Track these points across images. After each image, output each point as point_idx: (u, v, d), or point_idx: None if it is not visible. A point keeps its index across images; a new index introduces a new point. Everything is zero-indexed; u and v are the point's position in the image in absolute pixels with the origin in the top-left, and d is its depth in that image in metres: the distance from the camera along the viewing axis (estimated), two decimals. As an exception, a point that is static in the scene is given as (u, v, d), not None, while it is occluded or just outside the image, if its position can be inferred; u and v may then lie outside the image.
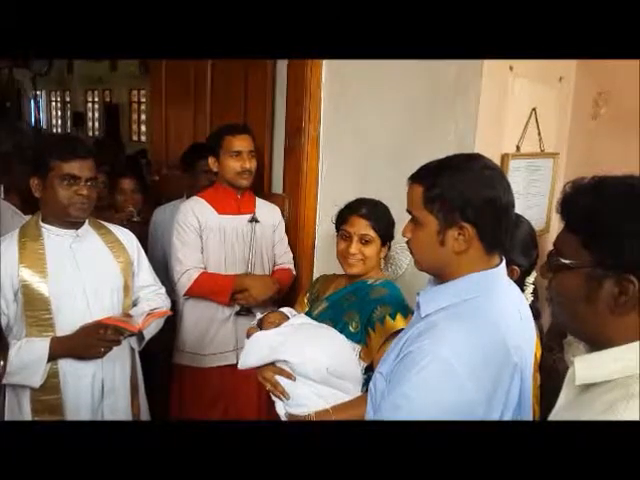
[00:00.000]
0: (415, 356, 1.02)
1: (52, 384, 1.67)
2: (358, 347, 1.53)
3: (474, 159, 1.12)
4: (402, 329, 1.45)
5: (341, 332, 1.55)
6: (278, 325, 1.61)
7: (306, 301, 1.82)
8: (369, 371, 1.52)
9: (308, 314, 1.70)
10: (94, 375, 1.73)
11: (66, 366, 1.68)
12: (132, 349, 1.85)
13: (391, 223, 1.67)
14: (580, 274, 0.82)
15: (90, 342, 1.65)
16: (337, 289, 1.70)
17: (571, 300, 0.85)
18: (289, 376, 1.49)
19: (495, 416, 1.03)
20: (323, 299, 1.71)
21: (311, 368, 1.47)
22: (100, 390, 1.75)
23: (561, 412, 0.90)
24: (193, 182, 2.62)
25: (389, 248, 1.73)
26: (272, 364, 1.53)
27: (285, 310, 1.75)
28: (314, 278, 2.20)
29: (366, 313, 1.53)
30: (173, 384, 2.34)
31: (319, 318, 1.64)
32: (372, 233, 1.62)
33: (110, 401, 1.77)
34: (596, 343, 0.84)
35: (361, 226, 1.62)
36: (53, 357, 1.65)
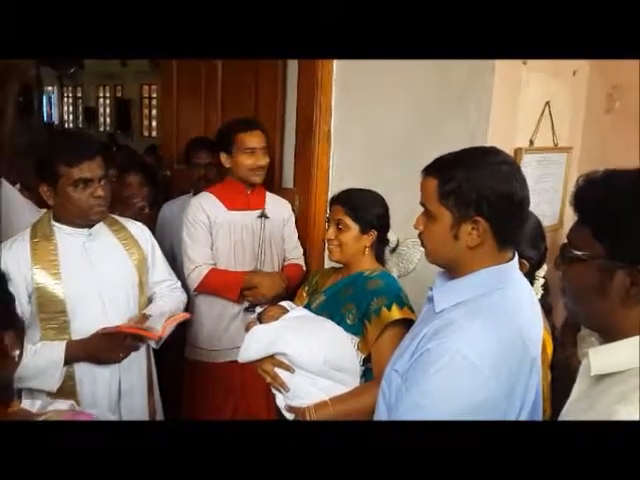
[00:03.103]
0: (434, 353, 1.01)
1: (68, 387, 1.63)
2: (356, 339, 1.54)
3: (491, 153, 1.11)
4: (398, 319, 1.48)
5: (338, 324, 1.56)
6: (278, 319, 1.63)
7: (305, 294, 1.83)
8: (367, 362, 1.54)
9: (307, 307, 1.72)
10: (111, 376, 1.70)
11: (82, 368, 1.65)
12: (148, 348, 1.82)
13: (376, 212, 1.65)
14: (592, 266, 0.83)
15: (108, 348, 1.62)
16: (335, 282, 1.71)
17: (583, 292, 0.86)
18: (288, 368, 1.51)
19: (514, 411, 1.03)
20: (321, 292, 1.72)
21: (309, 360, 1.49)
22: (117, 391, 1.72)
23: (574, 403, 0.91)
24: (193, 177, 2.64)
25: (383, 239, 1.72)
26: (271, 357, 1.54)
27: (285, 304, 1.76)
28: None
29: (363, 305, 1.53)
30: (185, 378, 2.35)
31: (317, 311, 1.65)
32: (347, 220, 1.62)
33: (127, 401, 1.74)
34: (609, 334, 0.85)
35: (337, 212, 1.64)
36: (69, 361, 1.61)
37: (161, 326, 1.66)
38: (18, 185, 2.55)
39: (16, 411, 0.90)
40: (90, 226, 1.69)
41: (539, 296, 1.64)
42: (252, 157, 2.20)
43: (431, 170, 1.11)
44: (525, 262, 1.57)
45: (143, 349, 1.78)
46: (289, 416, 1.53)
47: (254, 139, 2.20)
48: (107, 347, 1.62)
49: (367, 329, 1.52)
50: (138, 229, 1.85)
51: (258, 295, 2.18)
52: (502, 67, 1.88)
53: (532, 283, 1.60)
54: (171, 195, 2.95)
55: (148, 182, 2.89)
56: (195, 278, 2.18)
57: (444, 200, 1.07)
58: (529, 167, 2.09)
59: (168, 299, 1.86)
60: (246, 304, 2.24)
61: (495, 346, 1.00)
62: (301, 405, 1.49)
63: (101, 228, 1.73)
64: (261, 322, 1.66)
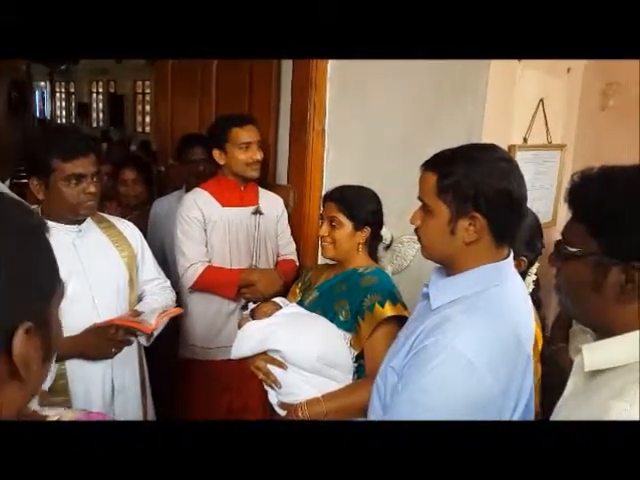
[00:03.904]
0: (431, 350, 1.02)
1: (60, 386, 1.61)
2: (348, 335, 1.54)
3: (490, 149, 1.12)
4: (391, 316, 1.48)
5: (331, 321, 1.56)
6: (271, 315, 1.63)
7: (298, 291, 1.82)
8: (359, 359, 1.54)
9: (300, 303, 1.71)
10: (103, 375, 1.68)
11: (74, 367, 1.63)
12: (139, 345, 1.81)
13: (370, 209, 1.65)
14: (587, 262, 0.83)
15: (101, 343, 1.61)
16: (328, 278, 1.71)
17: (578, 288, 0.86)
18: (281, 365, 1.51)
19: (509, 408, 1.04)
20: (314, 288, 1.72)
21: (302, 357, 1.49)
22: (110, 389, 1.70)
23: (568, 400, 0.91)
24: (185, 173, 2.64)
25: (377, 236, 1.71)
26: (264, 354, 1.54)
27: (278, 300, 1.76)
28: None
29: (356, 302, 1.53)
30: (179, 377, 2.34)
31: (310, 307, 1.65)
32: (340, 216, 1.61)
33: (121, 401, 1.72)
34: (603, 331, 0.85)
35: (330, 209, 1.63)
36: (61, 358, 1.59)
37: (154, 320, 1.65)
38: (8, 181, 2.53)
39: (30, 413, 0.89)
40: (79, 222, 1.68)
41: (530, 290, 1.65)
42: (247, 152, 2.20)
43: (430, 165, 1.12)
44: (524, 260, 1.58)
45: (135, 347, 1.77)
46: (281, 412, 1.53)
47: (249, 133, 2.20)
48: (99, 342, 1.61)
49: (360, 326, 1.51)
50: (127, 227, 1.84)
51: (256, 292, 2.16)
52: (497, 64, 1.88)
53: (524, 279, 1.61)
54: (165, 191, 2.94)
55: (143, 178, 2.89)
56: (190, 276, 2.16)
57: (442, 195, 1.08)
58: (523, 164, 2.09)
59: (158, 296, 1.85)
60: (243, 302, 2.23)
61: (491, 343, 1.01)
62: (294, 402, 1.49)
63: (90, 225, 1.72)
64: (254, 318, 1.66)
